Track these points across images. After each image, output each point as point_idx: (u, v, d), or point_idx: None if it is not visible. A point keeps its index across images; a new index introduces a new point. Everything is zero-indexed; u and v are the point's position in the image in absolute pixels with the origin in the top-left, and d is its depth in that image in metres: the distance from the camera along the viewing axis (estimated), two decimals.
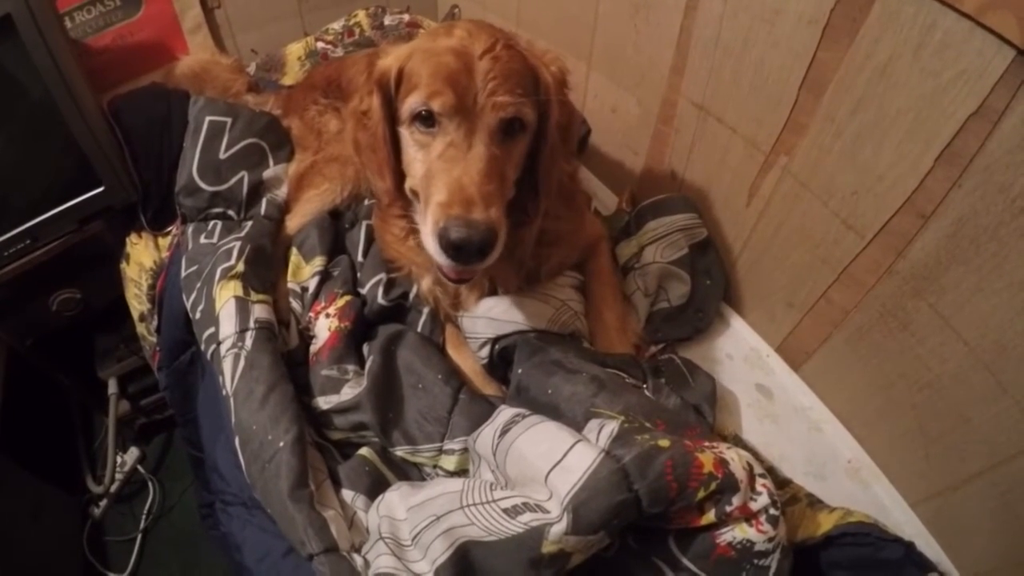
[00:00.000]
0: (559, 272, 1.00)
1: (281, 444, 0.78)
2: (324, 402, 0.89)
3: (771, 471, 0.86)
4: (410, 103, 0.77)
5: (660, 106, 1.17)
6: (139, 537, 1.58)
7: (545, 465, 0.65)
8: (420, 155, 0.78)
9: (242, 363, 0.87)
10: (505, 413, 0.76)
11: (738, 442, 0.91)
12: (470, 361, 0.95)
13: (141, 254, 1.24)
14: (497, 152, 0.75)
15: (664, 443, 0.63)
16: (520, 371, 0.85)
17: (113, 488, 1.60)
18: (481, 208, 0.70)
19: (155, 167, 1.23)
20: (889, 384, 0.85)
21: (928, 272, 0.77)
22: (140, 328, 1.30)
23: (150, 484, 1.66)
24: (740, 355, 1.06)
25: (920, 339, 0.80)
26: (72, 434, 1.71)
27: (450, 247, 0.70)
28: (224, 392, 0.88)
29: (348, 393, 0.88)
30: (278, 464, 0.77)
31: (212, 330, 0.93)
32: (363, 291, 1.01)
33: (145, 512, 1.62)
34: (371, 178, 0.89)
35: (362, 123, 0.84)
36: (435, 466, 0.86)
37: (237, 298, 0.93)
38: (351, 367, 0.92)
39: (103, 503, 1.61)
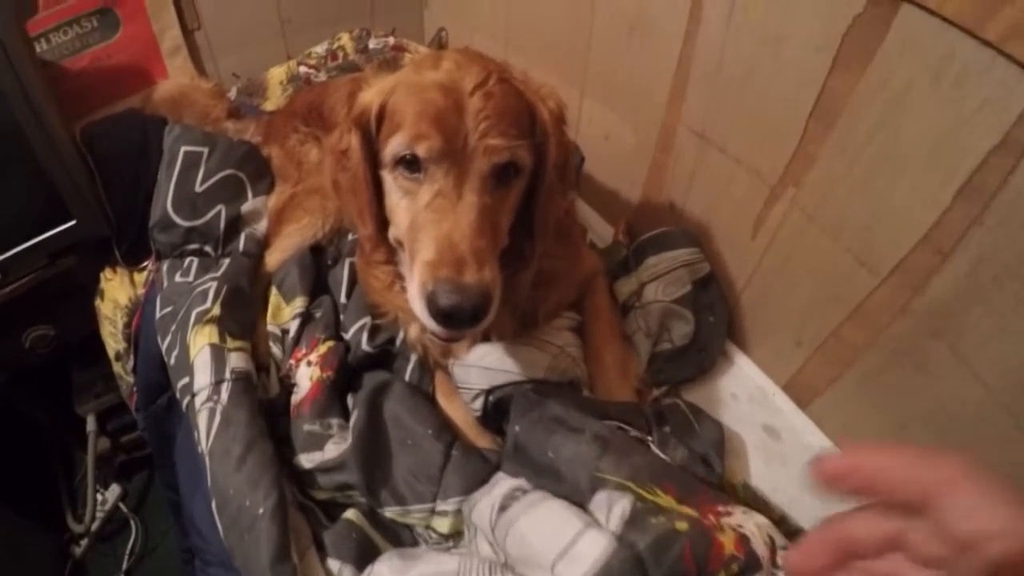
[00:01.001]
0: (556, 314, 0.95)
1: (260, 511, 0.73)
2: (307, 460, 0.84)
3: (782, 521, 0.81)
4: (393, 145, 0.70)
5: (658, 134, 1.13)
6: None
7: (551, 552, 0.60)
8: (404, 203, 0.72)
9: (218, 419, 0.81)
10: (503, 485, 0.70)
11: (747, 491, 0.86)
12: (462, 412, 0.90)
13: (116, 291, 1.19)
14: (489, 201, 0.69)
15: (682, 526, 0.59)
16: (517, 428, 0.79)
17: (94, 527, 1.56)
18: (473, 269, 0.64)
19: (129, 199, 1.17)
20: (902, 425, 0.82)
21: (947, 311, 0.73)
22: (116, 367, 1.24)
23: (132, 523, 1.61)
24: (745, 394, 1.02)
25: (937, 380, 0.77)
26: (53, 471, 1.66)
27: (439, 314, 0.64)
28: (200, 449, 0.82)
29: (332, 450, 0.83)
30: (258, 534, 0.71)
31: (187, 380, 0.88)
32: (347, 336, 0.96)
33: (128, 552, 1.57)
34: (352, 222, 0.84)
35: (341, 162, 0.78)
36: (427, 527, 0.81)
37: (212, 346, 0.88)
38: (334, 421, 0.87)
39: (84, 542, 1.56)
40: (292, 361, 0.94)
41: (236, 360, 0.88)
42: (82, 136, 1.20)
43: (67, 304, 1.26)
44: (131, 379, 1.18)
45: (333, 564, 0.75)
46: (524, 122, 0.72)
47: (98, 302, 1.22)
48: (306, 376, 0.90)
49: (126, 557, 1.55)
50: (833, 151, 0.81)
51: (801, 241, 0.90)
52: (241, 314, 0.96)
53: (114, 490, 1.62)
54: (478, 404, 0.87)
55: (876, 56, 0.72)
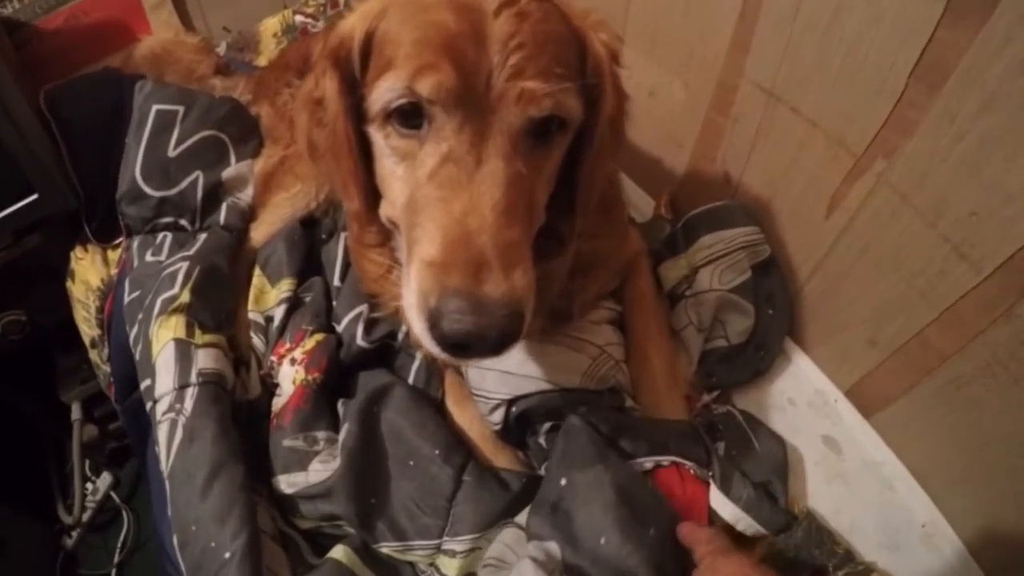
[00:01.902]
0: (595, 305, 0.79)
1: (227, 556, 0.60)
2: (287, 484, 0.71)
3: (847, 557, 0.75)
4: (383, 89, 0.51)
5: (714, 90, 0.99)
6: (114, 572, 1.47)
7: None
8: (400, 171, 0.53)
9: (179, 434, 0.69)
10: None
11: (811, 519, 0.78)
12: (477, 423, 0.75)
13: (87, 271, 1.07)
14: (522, 169, 0.50)
15: None
16: (564, 482, 0.64)
17: (85, 517, 1.50)
18: (499, 275, 0.46)
19: (100, 168, 1.04)
20: (984, 443, 0.74)
21: None
22: (92, 355, 1.14)
23: (124, 513, 1.54)
24: (804, 400, 0.92)
25: None
26: (43, 461, 1.59)
27: (446, 342, 0.46)
28: (161, 468, 0.70)
29: (317, 472, 0.70)
30: None
31: (148, 382, 0.76)
32: (339, 328, 0.82)
33: (119, 544, 1.51)
34: (337, 192, 0.67)
35: (316, 116, 0.59)
36: (432, 564, 0.68)
37: (178, 342, 0.75)
38: (321, 435, 0.73)
39: (75, 533, 1.50)
40: (274, 357, 0.81)
41: (205, 359, 0.74)
42: (46, 100, 1.09)
43: (38, 287, 1.17)
44: (108, 368, 1.06)
45: None
46: (571, 57, 0.53)
47: (69, 284, 1.11)
48: (289, 378, 0.77)
49: (117, 550, 1.49)
50: (937, 119, 0.69)
51: (888, 225, 0.79)
52: (216, 300, 0.83)
53: (105, 479, 1.54)
54: (497, 416, 0.72)
55: (1000, 3, 0.60)
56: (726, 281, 0.87)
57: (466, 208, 0.47)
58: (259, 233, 0.96)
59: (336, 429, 0.74)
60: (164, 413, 0.71)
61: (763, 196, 0.96)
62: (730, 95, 0.97)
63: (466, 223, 0.47)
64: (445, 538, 0.66)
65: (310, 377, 0.75)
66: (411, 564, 0.70)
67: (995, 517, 0.74)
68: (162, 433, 0.70)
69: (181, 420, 0.69)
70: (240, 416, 0.78)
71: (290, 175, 0.96)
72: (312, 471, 0.70)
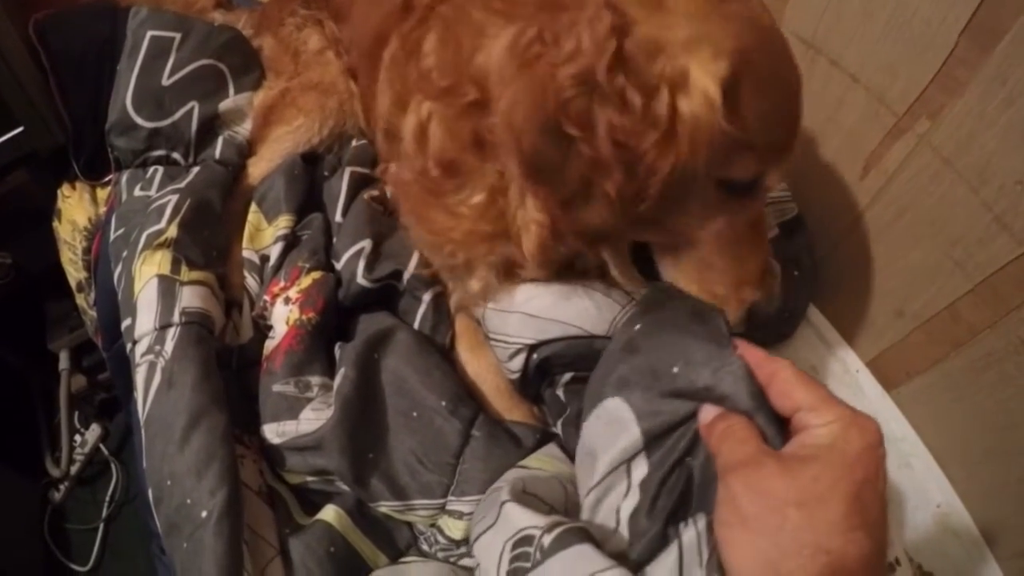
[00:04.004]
0: None
1: (204, 515, 0.55)
2: (275, 433, 0.65)
3: None
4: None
5: None
6: (101, 527, 1.44)
7: None
8: None
9: (157, 378, 0.63)
10: (517, 518, 0.50)
11: None
12: (493, 372, 0.70)
13: (74, 210, 1.00)
14: None
15: None
16: (639, 326, 0.56)
17: (73, 470, 1.47)
18: None
19: (91, 102, 0.97)
20: (1011, 424, 0.71)
21: None
22: (79, 299, 1.09)
23: (113, 466, 1.50)
24: (824, 368, 0.90)
25: None
26: (31, 413, 1.55)
27: None
28: (136, 418, 0.64)
29: (309, 421, 0.64)
30: (200, 544, 0.54)
31: (129, 321, 0.70)
32: (338, 266, 0.75)
33: (107, 498, 1.47)
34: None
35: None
36: (433, 525, 0.63)
37: (161, 278, 0.69)
38: (315, 380, 0.67)
39: (63, 487, 1.47)
40: (267, 297, 0.75)
41: (190, 297, 0.68)
42: (36, 29, 1.02)
43: (23, 229, 1.13)
44: (95, 313, 1.00)
45: None
46: None
47: (56, 224, 1.05)
48: (282, 318, 0.71)
49: (106, 504, 1.46)
50: (988, 80, 0.64)
51: (928, 188, 0.75)
52: (206, 236, 0.77)
53: (94, 431, 1.51)
54: (517, 363, 0.66)
55: None
56: None
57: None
58: (257, 169, 0.90)
59: (331, 375, 0.68)
60: (143, 355, 0.65)
61: (795, 153, 0.91)
62: None
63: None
64: (450, 497, 0.61)
65: (305, 317, 0.69)
66: (409, 525, 0.65)
67: (1013, 503, 0.72)
68: (140, 377, 0.64)
69: (160, 363, 0.64)
70: (231, 362, 0.73)
71: (292, 108, 0.90)
72: (303, 419, 0.64)
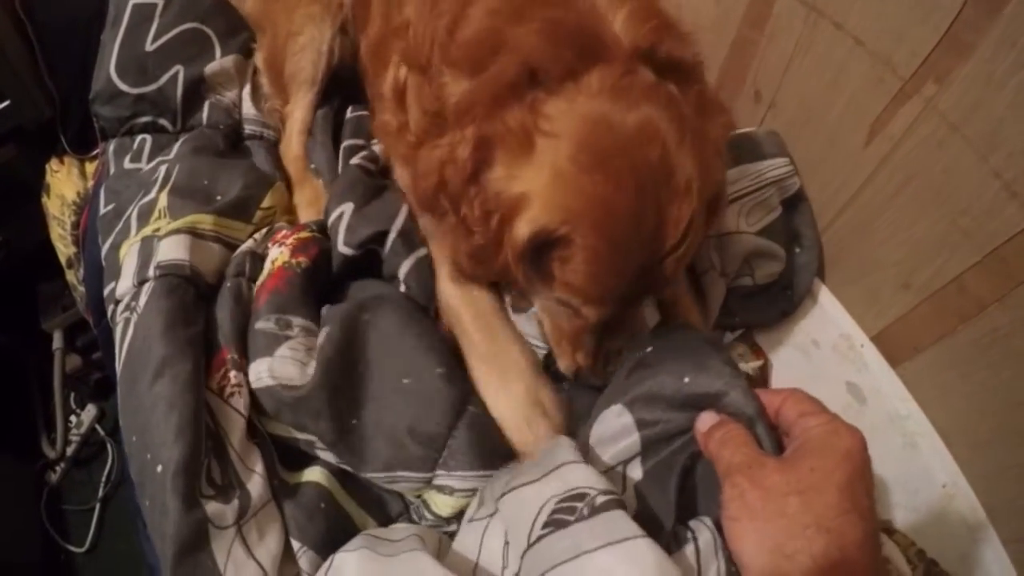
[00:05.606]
0: None
1: (159, 469, 0.53)
2: (255, 375, 0.61)
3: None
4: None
5: (748, 3, 0.90)
6: (97, 507, 1.45)
7: None
8: None
9: (130, 334, 0.61)
10: (574, 473, 0.51)
11: None
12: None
13: (62, 184, 0.99)
14: None
15: None
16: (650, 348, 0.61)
17: (69, 451, 1.48)
18: None
19: (78, 75, 0.97)
20: (1017, 404, 0.69)
21: None
22: (69, 276, 1.09)
23: (109, 447, 1.51)
24: (828, 342, 0.86)
25: None
26: (27, 394, 1.55)
27: None
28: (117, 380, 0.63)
29: (283, 360, 0.60)
30: (160, 506, 0.52)
31: (112, 285, 0.69)
32: (329, 226, 0.73)
33: (104, 479, 1.48)
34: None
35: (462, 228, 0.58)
36: (419, 497, 0.61)
37: (144, 239, 0.68)
38: (297, 320, 0.64)
39: (59, 468, 1.48)
40: (269, 243, 0.73)
41: (166, 250, 0.66)
42: (22, 1, 1.01)
43: (12, 205, 1.12)
44: (84, 289, 1.00)
45: (293, 543, 0.56)
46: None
47: (44, 199, 1.04)
48: (271, 259, 0.69)
49: (102, 485, 1.47)
50: (997, 43, 0.62)
51: (935, 155, 0.72)
52: (205, 186, 0.76)
53: (90, 411, 1.51)
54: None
55: None
56: (753, 222, 0.79)
57: None
58: (296, 120, 0.91)
59: (317, 323, 0.65)
60: (120, 313, 0.64)
61: (796, 120, 0.88)
62: (766, 9, 0.88)
63: None
64: (438, 471, 0.58)
65: (294, 260, 0.67)
66: (400, 495, 0.63)
67: (1018, 485, 0.71)
68: (117, 335, 0.63)
69: (133, 318, 0.62)
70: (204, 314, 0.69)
71: (292, 40, 0.90)
72: (278, 356, 0.60)
